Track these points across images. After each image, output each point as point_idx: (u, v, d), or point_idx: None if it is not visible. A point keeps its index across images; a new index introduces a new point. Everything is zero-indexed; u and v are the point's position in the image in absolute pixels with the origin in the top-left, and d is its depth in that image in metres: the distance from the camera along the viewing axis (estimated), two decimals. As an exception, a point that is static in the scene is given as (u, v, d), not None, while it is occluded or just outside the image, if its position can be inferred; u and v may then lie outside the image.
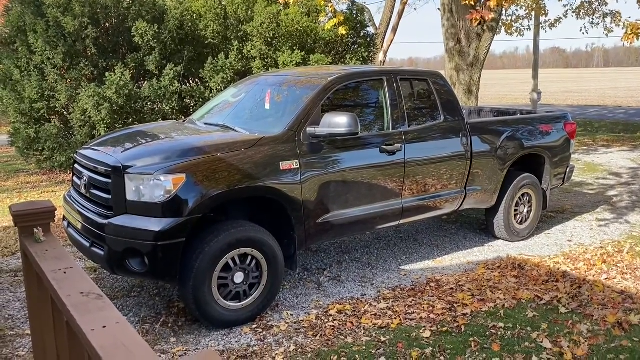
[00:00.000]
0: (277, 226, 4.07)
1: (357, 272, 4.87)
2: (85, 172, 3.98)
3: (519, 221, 5.73)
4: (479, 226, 6.21)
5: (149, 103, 9.37)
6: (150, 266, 3.52)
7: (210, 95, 9.75)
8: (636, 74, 66.24)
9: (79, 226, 3.96)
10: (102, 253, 3.65)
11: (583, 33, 13.88)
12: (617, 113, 20.43)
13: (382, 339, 3.61)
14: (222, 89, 9.67)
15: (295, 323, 3.89)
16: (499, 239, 5.75)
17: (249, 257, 3.81)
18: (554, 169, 5.92)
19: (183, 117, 9.94)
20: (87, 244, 3.81)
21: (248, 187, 3.77)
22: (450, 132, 4.95)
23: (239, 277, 3.79)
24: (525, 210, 5.76)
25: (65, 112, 9.27)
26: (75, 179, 4.27)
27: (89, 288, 1.28)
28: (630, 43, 7.26)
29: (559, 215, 6.69)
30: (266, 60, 10.03)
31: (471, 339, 3.59)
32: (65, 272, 1.38)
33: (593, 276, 4.64)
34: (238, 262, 3.77)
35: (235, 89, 5.30)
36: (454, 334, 3.67)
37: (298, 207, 4.00)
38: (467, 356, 3.39)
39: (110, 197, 3.68)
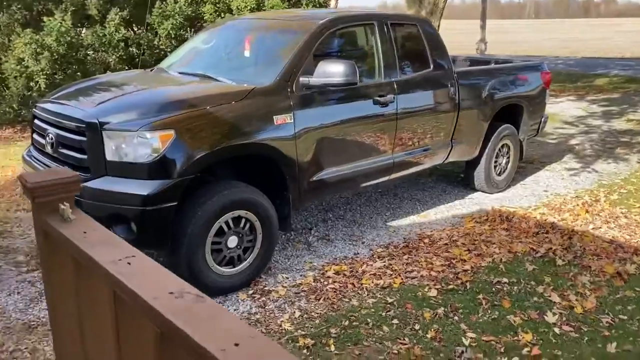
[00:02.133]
0: (269, 186, 3.76)
1: (344, 230, 4.67)
2: (51, 129, 3.49)
3: (497, 172, 5.68)
4: (454, 178, 6.13)
5: (91, 52, 8.58)
6: (139, 233, 3.15)
7: (160, 43, 9.06)
8: (567, 24, 68.30)
9: (46, 190, 3.50)
10: (79, 220, 3.24)
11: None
12: (557, 63, 20.89)
13: (389, 300, 3.46)
14: (172, 36, 8.99)
15: (293, 287, 3.67)
16: (477, 191, 5.69)
17: (243, 220, 3.51)
18: (530, 119, 5.87)
19: (129, 67, 9.20)
20: (59, 211, 3.37)
21: (243, 144, 3.43)
22: (439, 82, 4.73)
23: (232, 242, 3.49)
24: (504, 161, 5.71)
25: (-4, 62, 8.34)
26: (36, 136, 3.76)
27: (178, 285, 0.94)
28: None
29: (529, 166, 6.71)
30: (218, 5, 9.37)
31: (479, 296, 3.50)
32: (129, 263, 1.04)
33: (580, 226, 4.66)
34: (232, 225, 3.46)
35: (207, 34, 4.81)
36: (460, 292, 3.56)
37: (292, 164, 3.70)
38: (480, 314, 3.29)
39: (85, 157, 3.25)
